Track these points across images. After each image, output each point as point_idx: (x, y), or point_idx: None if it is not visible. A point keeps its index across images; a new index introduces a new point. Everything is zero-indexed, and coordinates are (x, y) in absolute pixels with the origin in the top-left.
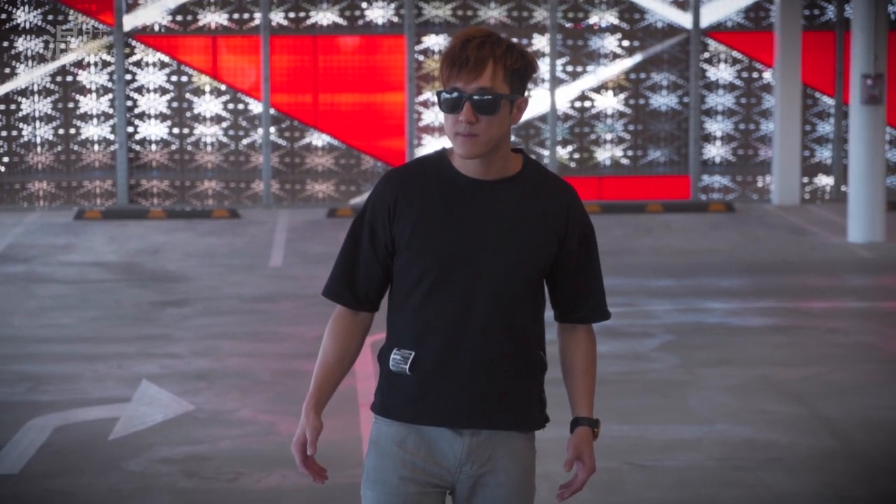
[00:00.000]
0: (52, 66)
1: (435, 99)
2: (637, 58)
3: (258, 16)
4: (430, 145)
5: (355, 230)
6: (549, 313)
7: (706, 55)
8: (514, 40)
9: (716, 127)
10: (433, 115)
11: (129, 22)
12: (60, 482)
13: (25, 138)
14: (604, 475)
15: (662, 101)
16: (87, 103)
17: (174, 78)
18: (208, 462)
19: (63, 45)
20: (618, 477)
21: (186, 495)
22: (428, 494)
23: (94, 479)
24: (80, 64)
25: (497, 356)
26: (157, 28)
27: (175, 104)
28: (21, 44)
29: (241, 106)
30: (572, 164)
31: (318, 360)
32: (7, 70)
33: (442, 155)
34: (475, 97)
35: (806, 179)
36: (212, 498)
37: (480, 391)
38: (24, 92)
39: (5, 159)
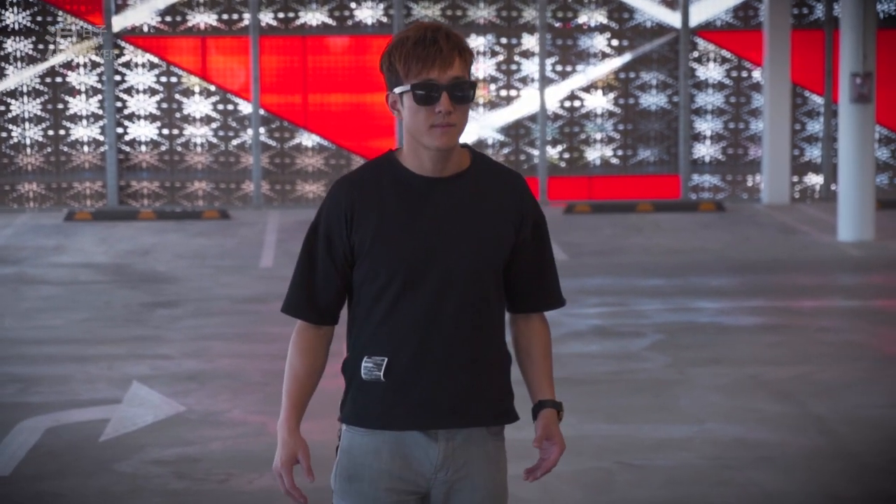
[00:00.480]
0: (41, 68)
1: (395, 97)
2: (626, 57)
3: (247, 16)
4: None
5: (310, 243)
6: None
7: (695, 54)
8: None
9: (705, 126)
10: None
11: (118, 23)
12: (51, 484)
13: (15, 140)
14: (594, 474)
15: (652, 100)
16: (77, 104)
17: (163, 79)
18: (199, 463)
19: (52, 46)
20: (608, 476)
21: (178, 496)
22: (405, 502)
23: (86, 480)
24: (69, 65)
25: (470, 353)
26: (146, 29)
27: (164, 105)
28: (10, 45)
29: (230, 106)
30: (562, 164)
31: (287, 377)
32: None
33: (390, 157)
34: (452, 87)
35: (795, 178)
36: (203, 499)
37: (456, 390)
38: (14, 93)
39: None
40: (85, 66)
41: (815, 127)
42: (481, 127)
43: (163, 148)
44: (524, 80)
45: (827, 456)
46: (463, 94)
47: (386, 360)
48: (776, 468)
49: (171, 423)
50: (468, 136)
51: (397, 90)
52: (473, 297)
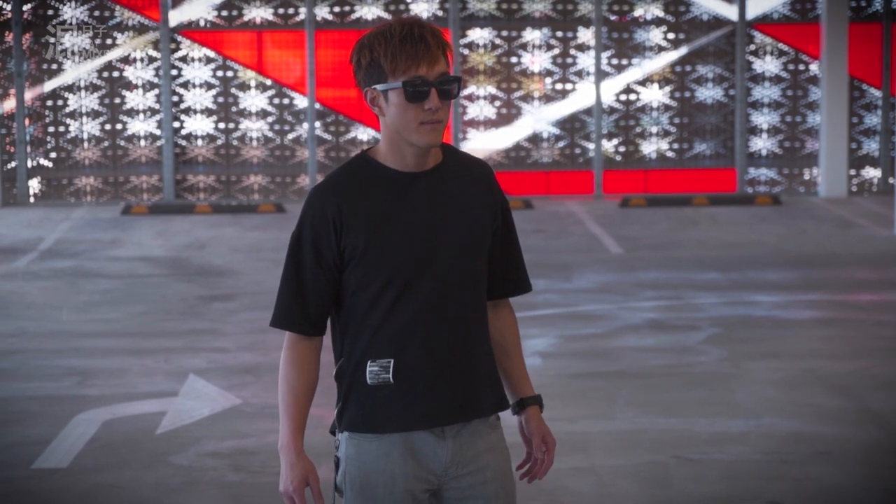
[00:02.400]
0: (98, 62)
1: (376, 93)
2: (682, 50)
3: (303, 10)
4: (476, 139)
5: (296, 254)
6: None
7: (752, 47)
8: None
9: (762, 119)
10: (478, 109)
11: (175, 17)
12: (108, 476)
13: (72, 134)
14: (651, 468)
15: (708, 93)
16: (134, 99)
17: (220, 73)
18: (255, 456)
19: (109, 41)
20: (665, 470)
21: (234, 489)
22: (418, 500)
23: (142, 472)
24: (126, 59)
25: (468, 345)
26: (202, 23)
27: (220, 99)
28: (68, 40)
29: (286, 101)
30: (618, 158)
31: (285, 395)
32: (54, 66)
33: (365, 157)
34: (440, 83)
35: (853, 172)
36: (259, 492)
37: (460, 384)
38: (71, 88)
39: (53, 155)
40: (142, 60)
41: (873, 120)
42: (536, 120)
43: (219, 142)
44: (580, 74)
45: (885, 450)
46: (449, 89)
47: (392, 361)
48: (833, 463)
49: (228, 415)
50: (525, 130)
51: (380, 87)
52: (468, 290)
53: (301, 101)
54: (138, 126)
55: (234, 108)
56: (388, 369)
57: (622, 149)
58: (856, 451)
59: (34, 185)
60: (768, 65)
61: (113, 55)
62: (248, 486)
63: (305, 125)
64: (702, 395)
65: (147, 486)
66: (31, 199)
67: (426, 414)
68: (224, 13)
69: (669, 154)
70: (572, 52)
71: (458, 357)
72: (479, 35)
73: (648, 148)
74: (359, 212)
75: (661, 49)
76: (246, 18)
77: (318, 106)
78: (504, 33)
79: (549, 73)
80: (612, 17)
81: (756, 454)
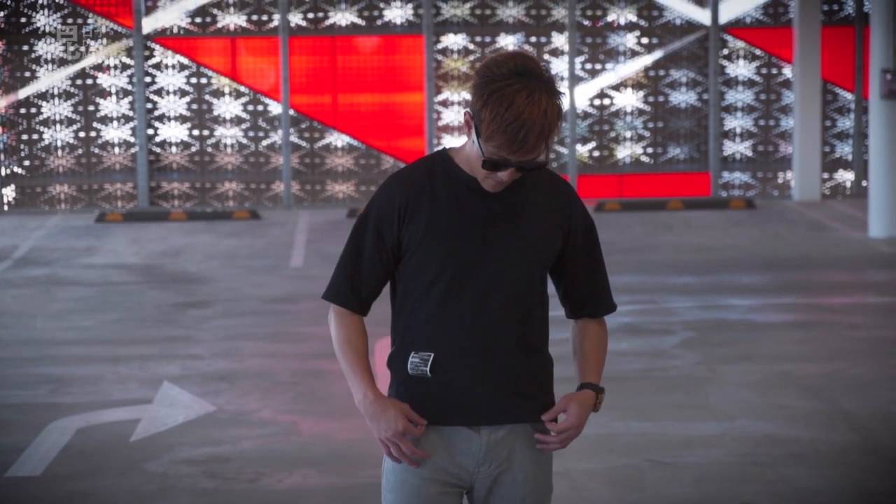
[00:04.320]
0: (71, 70)
1: (470, 121)
2: (656, 55)
3: (277, 17)
4: (450, 144)
5: (359, 233)
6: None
7: (725, 51)
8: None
9: (735, 123)
10: (452, 115)
11: (148, 24)
12: (82, 484)
13: (46, 142)
14: (624, 472)
15: (682, 98)
16: (107, 106)
17: (193, 80)
18: (230, 463)
19: (82, 49)
20: (638, 473)
21: (208, 496)
22: (447, 494)
23: (116, 480)
24: (99, 67)
25: (513, 353)
26: (175, 30)
27: (195, 106)
28: (41, 47)
29: (260, 107)
30: (592, 162)
31: (348, 353)
32: (27, 74)
33: (445, 156)
34: (522, 166)
35: (826, 175)
36: (233, 498)
37: (499, 389)
38: (45, 95)
39: (26, 163)
40: (115, 67)
41: (846, 123)
42: None
43: (193, 149)
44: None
45: (858, 452)
46: (530, 170)
47: (432, 355)
48: (807, 465)
49: (202, 422)
50: None
51: (473, 133)
52: (518, 299)
53: (275, 108)
54: (112, 133)
55: (208, 115)
56: (427, 362)
57: (596, 153)
58: (829, 452)
59: (8, 192)
60: (741, 69)
61: (86, 62)
62: (221, 492)
63: (280, 132)
64: (676, 398)
65: (121, 493)
66: (5, 208)
67: (456, 412)
68: (198, 20)
69: (644, 158)
70: (546, 57)
71: (496, 363)
72: (452, 41)
73: (623, 152)
74: (425, 205)
75: (634, 54)
76: (220, 25)
77: (292, 112)
78: (478, 39)
79: None
80: (586, 23)
81: (730, 457)
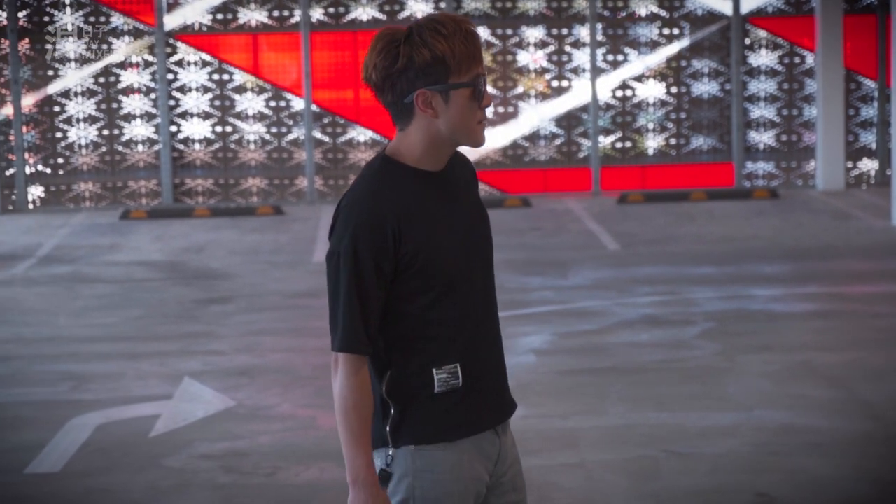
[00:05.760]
0: (94, 68)
1: (431, 94)
2: (678, 46)
3: (298, 13)
4: None
5: (355, 271)
6: None
7: (747, 41)
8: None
9: (759, 113)
10: None
11: (170, 22)
12: (100, 480)
13: (70, 140)
14: (640, 463)
15: (704, 88)
16: (131, 104)
17: (216, 76)
18: (247, 457)
19: (105, 47)
20: (654, 464)
21: (225, 490)
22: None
23: (134, 476)
24: (122, 65)
25: (501, 344)
26: (197, 27)
27: (217, 102)
28: (64, 46)
29: (282, 103)
30: (615, 154)
31: (354, 423)
32: (50, 72)
33: (390, 160)
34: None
35: (850, 164)
36: (249, 493)
37: (504, 380)
38: (68, 94)
39: (51, 161)
40: (138, 65)
41: (869, 112)
42: (533, 118)
43: (216, 145)
44: (575, 71)
45: (876, 441)
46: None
47: (458, 365)
48: (823, 454)
49: (221, 417)
50: (522, 128)
51: (438, 87)
52: (493, 285)
53: (298, 104)
54: (136, 131)
55: (230, 112)
56: (456, 375)
57: (619, 145)
58: (846, 442)
59: (33, 191)
60: (764, 58)
61: (109, 60)
62: (238, 487)
63: (302, 127)
64: (694, 389)
65: (138, 488)
66: (31, 206)
67: (491, 414)
68: (219, 16)
69: (667, 150)
70: (568, 49)
71: (499, 356)
72: None
73: (646, 144)
74: (412, 218)
75: (656, 45)
76: (241, 21)
77: (314, 108)
78: (499, 31)
79: (544, 70)
80: (607, 14)
81: (746, 447)
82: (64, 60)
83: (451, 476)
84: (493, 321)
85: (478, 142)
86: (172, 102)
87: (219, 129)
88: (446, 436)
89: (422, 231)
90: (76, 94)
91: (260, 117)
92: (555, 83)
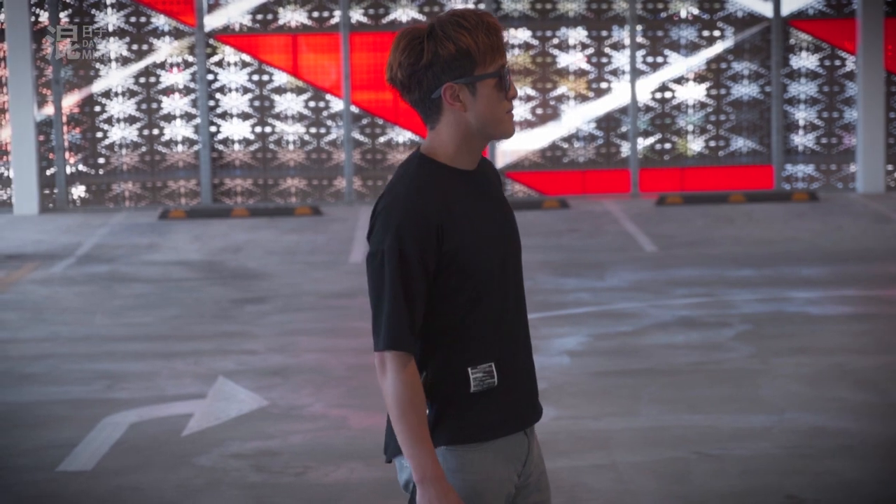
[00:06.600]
0: (135, 68)
1: (459, 87)
2: (718, 47)
3: (338, 13)
4: (512, 139)
5: (402, 270)
6: None
7: (788, 43)
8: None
9: (799, 116)
10: (514, 109)
11: (210, 22)
12: (131, 478)
13: (111, 140)
14: (671, 465)
15: (744, 90)
16: (171, 104)
17: (255, 77)
18: (278, 456)
19: (146, 47)
20: (685, 466)
21: (254, 489)
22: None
23: (165, 474)
24: (162, 65)
25: (530, 344)
26: (237, 27)
27: (257, 103)
28: (104, 46)
29: (322, 104)
30: (654, 156)
31: (413, 422)
32: (91, 72)
33: (427, 160)
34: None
35: (891, 167)
36: (279, 492)
37: (535, 382)
38: (108, 94)
39: (91, 161)
40: (178, 65)
41: None
42: (571, 119)
43: (255, 146)
44: (615, 73)
45: None
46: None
47: (493, 364)
48: (854, 457)
49: (254, 417)
50: (561, 129)
51: (464, 80)
52: (523, 283)
53: (337, 104)
54: (175, 131)
55: (270, 112)
56: (491, 374)
57: (659, 147)
58: (878, 445)
59: (74, 191)
60: (804, 61)
61: (149, 61)
62: (269, 486)
63: (342, 128)
64: (727, 391)
65: (169, 487)
66: (71, 206)
67: (524, 414)
68: (259, 17)
69: (706, 152)
70: (607, 50)
71: (530, 357)
72: (513, 35)
73: (686, 146)
74: (454, 216)
75: (696, 46)
76: (281, 22)
77: (353, 109)
78: (539, 33)
79: (584, 72)
80: (647, 16)
81: (777, 449)
82: (105, 60)
83: (483, 477)
84: (524, 322)
85: (507, 132)
86: (212, 103)
87: (258, 129)
88: (482, 435)
89: (462, 229)
90: (117, 95)
91: (299, 118)
92: (594, 85)
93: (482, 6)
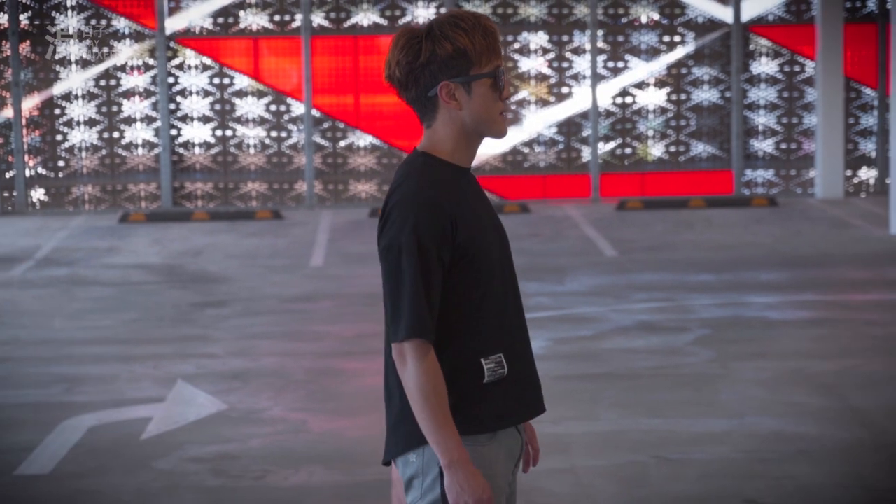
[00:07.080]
0: (95, 71)
1: (455, 86)
2: (678, 53)
3: (299, 17)
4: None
5: (422, 260)
6: None
7: (748, 49)
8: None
9: (759, 121)
10: None
11: (171, 25)
12: (90, 482)
13: (70, 142)
14: (630, 468)
15: (704, 95)
16: (131, 107)
17: (216, 80)
18: (237, 460)
19: (106, 50)
20: (643, 470)
21: (212, 493)
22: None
23: (123, 478)
24: (122, 68)
25: (528, 336)
26: (198, 31)
27: (218, 106)
28: (64, 48)
29: (283, 107)
30: (615, 161)
31: (437, 407)
32: (51, 75)
33: (429, 154)
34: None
35: (849, 172)
36: (238, 496)
37: (536, 373)
38: (68, 96)
39: (51, 164)
40: (139, 68)
41: (869, 121)
42: (532, 124)
43: (216, 149)
44: (576, 78)
45: (866, 448)
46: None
47: (501, 355)
48: (813, 461)
49: (213, 420)
50: (522, 134)
51: (460, 79)
52: (516, 278)
53: (298, 108)
54: (136, 134)
55: (231, 116)
56: (502, 364)
57: (619, 152)
58: (836, 449)
59: (33, 194)
60: (764, 66)
61: (109, 63)
62: (227, 490)
63: (303, 132)
64: (687, 395)
65: (128, 491)
66: (30, 209)
67: (531, 403)
68: (220, 20)
69: (666, 157)
70: (568, 55)
71: (530, 347)
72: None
73: (645, 151)
74: (463, 209)
75: (656, 52)
76: (242, 26)
77: (314, 112)
78: (500, 38)
79: (545, 77)
80: (608, 21)
81: (736, 453)
82: (65, 63)
83: (490, 472)
84: (523, 315)
85: (501, 132)
86: (173, 106)
87: (219, 133)
88: (495, 425)
89: (471, 222)
90: (77, 97)
91: (260, 121)
92: (555, 90)
93: (443, 10)
